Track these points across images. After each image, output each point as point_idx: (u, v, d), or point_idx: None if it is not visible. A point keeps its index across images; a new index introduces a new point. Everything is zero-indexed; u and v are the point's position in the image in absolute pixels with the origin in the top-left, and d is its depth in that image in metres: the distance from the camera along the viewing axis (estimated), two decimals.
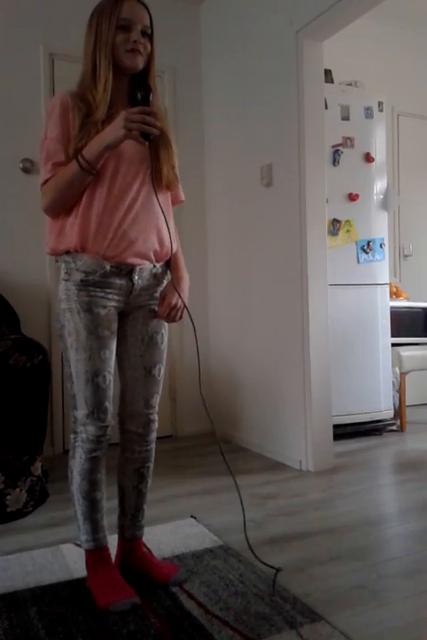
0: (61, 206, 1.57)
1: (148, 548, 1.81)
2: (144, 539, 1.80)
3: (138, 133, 1.49)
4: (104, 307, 1.59)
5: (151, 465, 1.76)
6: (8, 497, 2.30)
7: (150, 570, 1.74)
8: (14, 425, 2.33)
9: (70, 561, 1.91)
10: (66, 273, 1.58)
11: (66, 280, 1.58)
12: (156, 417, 1.73)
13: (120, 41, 1.56)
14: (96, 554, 1.66)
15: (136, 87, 1.59)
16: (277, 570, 1.75)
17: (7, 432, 2.32)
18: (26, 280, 3.32)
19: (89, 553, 1.66)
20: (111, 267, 1.58)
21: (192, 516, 2.29)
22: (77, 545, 1.99)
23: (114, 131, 1.49)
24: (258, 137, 3.30)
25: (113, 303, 1.61)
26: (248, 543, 1.75)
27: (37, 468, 2.41)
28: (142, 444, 1.72)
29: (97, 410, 1.58)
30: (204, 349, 3.75)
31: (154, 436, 1.74)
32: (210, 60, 3.81)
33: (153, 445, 1.75)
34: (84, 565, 1.70)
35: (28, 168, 3.33)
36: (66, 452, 3.36)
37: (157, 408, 1.74)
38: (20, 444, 2.34)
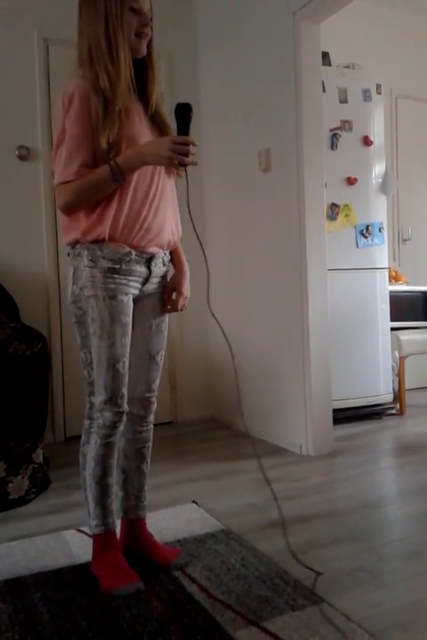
0: (81, 206, 1.57)
1: (150, 533, 1.83)
2: (146, 524, 1.82)
3: (177, 164, 1.51)
4: (126, 294, 1.62)
5: (151, 445, 1.81)
6: (10, 484, 2.31)
7: (153, 553, 1.76)
8: (15, 413, 2.34)
9: (73, 546, 1.92)
10: (90, 260, 1.58)
11: (91, 267, 1.58)
12: (155, 399, 1.79)
13: (131, 22, 1.54)
14: (105, 538, 1.67)
15: (179, 109, 1.53)
16: (318, 574, 1.68)
17: (8, 420, 2.32)
18: (24, 268, 3.31)
19: (98, 537, 1.68)
20: (136, 255, 1.61)
21: (193, 501, 2.30)
22: (80, 531, 2.01)
23: (157, 155, 1.50)
24: (255, 121, 3.27)
25: (132, 290, 1.64)
26: (290, 549, 1.72)
27: (39, 456, 2.42)
28: (143, 425, 1.76)
29: (115, 396, 1.61)
30: (204, 336, 3.75)
31: (153, 417, 1.80)
32: (206, 43, 3.77)
33: (152, 426, 1.80)
34: (87, 551, 1.71)
35: (25, 155, 3.31)
36: (67, 439, 3.38)
37: (156, 391, 1.79)
38: (21, 431, 2.35)
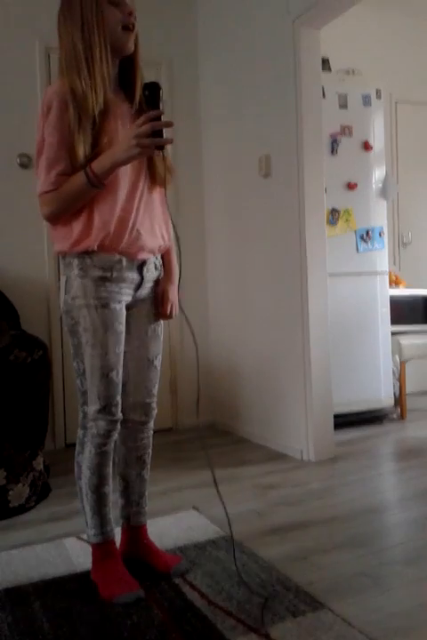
0: (64, 215, 1.54)
1: (150, 540, 1.82)
2: (147, 530, 1.81)
3: (152, 148, 1.44)
4: (119, 302, 1.60)
5: (151, 451, 1.81)
6: (10, 492, 2.31)
7: (154, 560, 1.75)
8: (16, 420, 2.34)
9: (73, 555, 1.92)
10: (81, 269, 1.56)
11: (82, 277, 1.56)
12: (156, 406, 1.79)
13: (112, 16, 1.48)
14: (104, 547, 1.67)
15: (147, 88, 1.47)
16: (266, 600, 1.57)
17: (9, 427, 2.32)
18: (25, 275, 3.32)
19: (96, 546, 1.67)
20: (127, 262, 1.60)
21: (194, 508, 2.30)
22: (80, 538, 2.00)
23: (126, 150, 1.43)
24: (256, 127, 3.28)
25: (125, 297, 1.63)
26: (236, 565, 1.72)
27: (39, 463, 2.42)
28: (144, 431, 1.77)
29: (109, 405, 1.60)
30: (204, 341, 3.75)
31: (153, 423, 1.80)
32: (207, 50, 3.79)
33: (152, 432, 1.80)
34: (87, 559, 1.71)
35: (26, 163, 3.32)
36: (67, 446, 3.37)
37: (157, 396, 1.79)
38: (21, 439, 2.35)
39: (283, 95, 3.01)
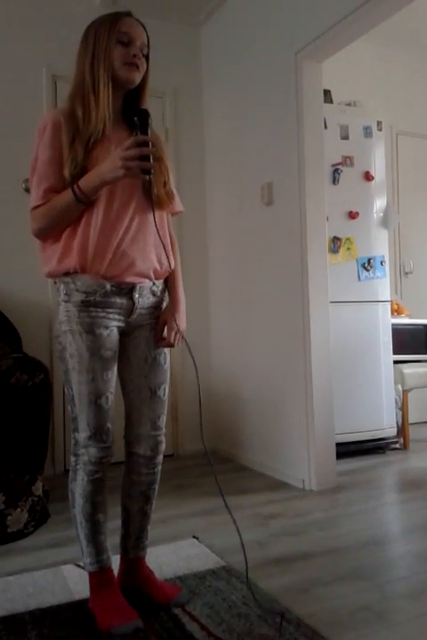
0: (53, 232, 1.55)
1: (150, 569, 1.79)
2: (146, 559, 1.78)
3: (138, 171, 1.47)
4: (106, 327, 1.57)
5: (157, 486, 1.74)
6: (9, 517, 2.28)
7: (152, 590, 1.72)
8: (15, 444, 2.32)
9: (71, 582, 1.89)
10: (66, 294, 1.56)
11: (66, 302, 1.56)
12: (163, 438, 1.72)
13: (119, 54, 1.55)
14: (100, 576, 1.64)
15: (132, 113, 1.55)
16: (282, 617, 1.60)
17: (8, 451, 2.30)
18: (27, 299, 3.33)
19: (93, 575, 1.64)
20: (112, 286, 1.56)
21: (194, 537, 2.26)
22: (78, 566, 1.97)
23: (112, 170, 1.46)
24: (258, 156, 3.33)
25: (114, 323, 1.60)
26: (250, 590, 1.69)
27: (38, 488, 2.39)
28: (150, 467, 1.70)
29: (99, 431, 1.57)
30: (205, 367, 3.74)
31: (161, 457, 1.73)
32: (211, 81, 3.86)
33: (160, 468, 1.73)
34: (85, 587, 1.68)
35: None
36: (67, 471, 3.33)
37: (164, 429, 1.72)
38: (21, 463, 2.33)
39: (285, 125, 3.05)
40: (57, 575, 1.95)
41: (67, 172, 1.51)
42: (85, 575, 1.69)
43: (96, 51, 1.56)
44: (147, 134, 1.51)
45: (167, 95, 3.76)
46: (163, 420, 1.71)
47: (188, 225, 3.69)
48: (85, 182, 1.50)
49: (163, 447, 1.72)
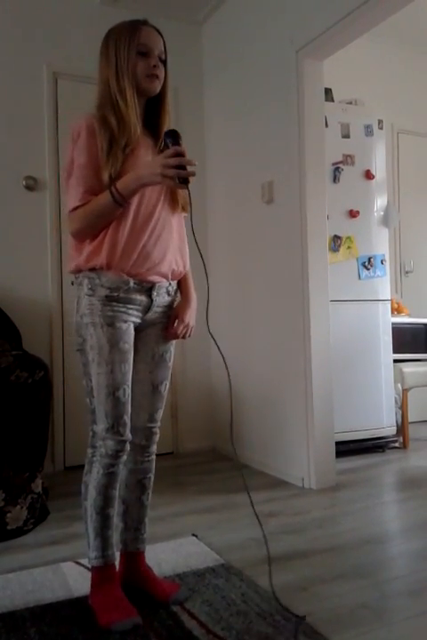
0: (91, 232, 1.61)
1: (149, 567, 1.80)
2: (145, 557, 1.79)
3: (176, 179, 1.52)
4: (125, 321, 1.63)
5: (152, 476, 1.79)
6: (8, 514, 2.28)
7: (152, 587, 1.73)
8: (15, 442, 2.33)
9: (71, 579, 1.89)
10: (90, 288, 1.61)
11: (89, 296, 1.61)
12: (158, 430, 1.78)
13: (141, 67, 1.62)
14: (104, 571, 1.65)
15: (169, 135, 1.59)
16: (301, 618, 1.60)
17: (8, 449, 2.31)
18: (27, 296, 3.33)
19: (97, 570, 1.65)
20: (134, 283, 1.63)
21: (193, 534, 2.27)
22: (78, 563, 1.98)
23: (152, 175, 1.52)
24: (259, 155, 3.33)
25: (133, 318, 1.65)
26: (273, 590, 1.67)
27: (38, 486, 2.39)
28: (144, 455, 1.75)
29: (117, 424, 1.60)
30: (205, 365, 3.75)
31: (155, 447, 1.78)
32: (211, 79, 3.86)
33: (154, 457, 1.78)
34: (85, 584, 1.68)
35: (31, 185, 3.36)
36: (67, 469, 3.35)
37: (159, 422, 1.78)
38: (20, 460, 2.33)
39: (286, 124, 3.05)
40: (56, 572, 1.95)
41: (106, 176, 1.56)
42: (85, 572, 1.70)
43: (119, 63, 1.62)
44: (182, 148, 1.56)
45: (168, 93, 3.75)
46: (160, 414, 1.77)
47: (188, 223, 3.69)
48: (123, 185, 1.55)
49: (157, 438, 1.77)
